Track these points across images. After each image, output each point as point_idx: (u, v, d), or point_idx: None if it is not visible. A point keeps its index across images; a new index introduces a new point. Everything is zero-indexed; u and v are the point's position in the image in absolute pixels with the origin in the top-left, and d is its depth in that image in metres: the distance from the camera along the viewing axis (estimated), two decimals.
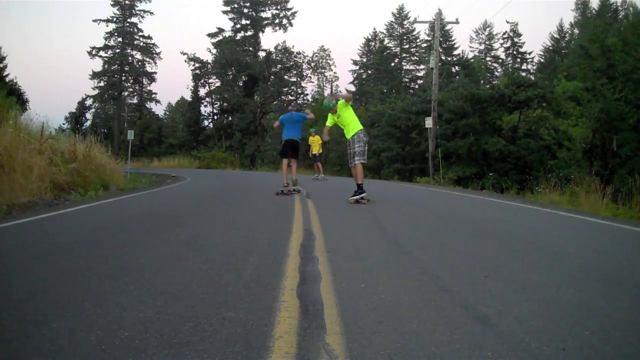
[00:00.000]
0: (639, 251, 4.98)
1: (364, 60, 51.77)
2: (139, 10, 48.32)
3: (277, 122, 9.84)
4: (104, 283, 2.92)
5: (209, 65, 46.01)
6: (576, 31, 44.30)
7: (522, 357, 1.99)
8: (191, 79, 47.55)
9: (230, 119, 45.40)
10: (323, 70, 53.51)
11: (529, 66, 50.85)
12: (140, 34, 48.79)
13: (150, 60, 49.75)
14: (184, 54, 52.55)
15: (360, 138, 7.57)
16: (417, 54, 50.97)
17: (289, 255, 3.78)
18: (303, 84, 49.55)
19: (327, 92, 53.78)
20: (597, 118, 16.34)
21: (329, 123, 7.99)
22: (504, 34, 51.91)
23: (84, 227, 5.49)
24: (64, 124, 47.12)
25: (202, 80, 47.37)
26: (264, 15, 46.21)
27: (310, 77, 50.70)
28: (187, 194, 10.93)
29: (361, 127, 7.70)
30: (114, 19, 47.93)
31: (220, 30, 45.79)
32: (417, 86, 47.13)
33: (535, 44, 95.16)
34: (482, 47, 52.94)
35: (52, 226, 5.46)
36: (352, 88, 50.93)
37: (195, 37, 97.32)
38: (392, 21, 51.68)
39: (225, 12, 45.89)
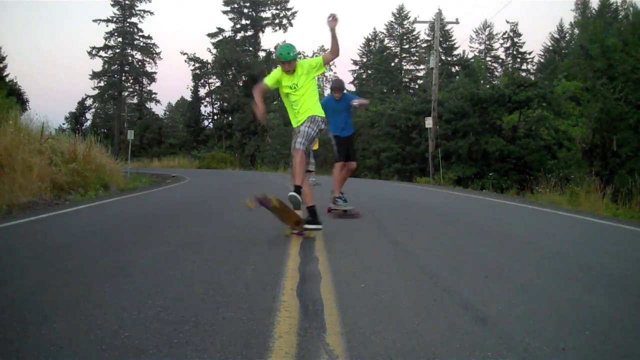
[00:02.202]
0: (639, 251, 4.98)
1: (364, 60, 51.74)
2: (139, 10, 48.30)
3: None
4: (104, 283, 2.92)
5: (209, 65, 46.00)
6: (576, 31, 44.26)
7: (522, 357, 1.99)
8: (191, 79, 47.55)
9: (230, 119, 45.39)
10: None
11: (529, 66, 50.85)
12: (140, 34, 48.77)
13: (150, 60, 49.74)
14: (184, 54, 52.44)
15: (316, 121, 4.73)
16: (417, 54, 50.95)
17: (289, 255, 3.78)
18: None
19: (327, 92, 53.66)
20: (597, 118, 16.36)
21: (268, 81, 4.86)
22: (504, 34, 51.92)
23: (84, 227, 5.49)
24: (64, 124, 47.06)
25: (202, 80, 47.36)
26: (264, 15, 46.19)
27: None
28: (187, 194, 10.93)
29: (323, 113, 4.86)
30: (114, 19, 47.90)
31: (220, 30, 45.78)
32: (417, 86, 47.08)
33: (535, 44, 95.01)
34: (482, 47, 52.92)
35: (52, 226, 5.46)
36: (352, 88, 50.93)
37: (195, 37, 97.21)
38: (392, 21, 51.67)
39: (225, 12, 45.89)
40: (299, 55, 4.97)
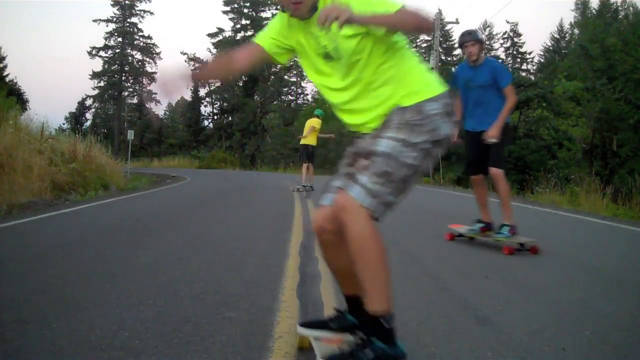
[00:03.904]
0: (639, 251, 4.98)
1: None
2: (139, 10, 48.27)
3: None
4: (104, 283, 2.92)
5: None
6: (576, 31, 44.26)
7: (522, 357, 1.99)
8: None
9: (230, 119, 45.41)
10: None
11: (529, 66, 50.85)
12: (140, 34, 48.75)
13: (150, 60, 49.75)
14: (184, 54, 52.51)
15: (424, 115, 1.67)
16: (417, 54, 50.97)
17: (289, 255, 3.78)
18: (303, 84, 49.54)
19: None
20: (597, 118, 16.37)
21: (261, 39, 1.87)
22: (504, 34, 51.92)
23: (83, 227, 5.49)
24: (64, 124, 47.04)
25: (202, 80, 47.36)
26: (264, 15, 46.21)
27: None
28: (187, 194, 10.92)
29: (436, 84, 1.79)
30: (114, 19, 47.89)
31: (220, 30, 45.81)
32: None
33: (535, 44, 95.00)
34: None
35: (51, 226, 5.45)
36: None
37: (195, 37, 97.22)
38: None
39: (225, 12, 45.91)
40: None
